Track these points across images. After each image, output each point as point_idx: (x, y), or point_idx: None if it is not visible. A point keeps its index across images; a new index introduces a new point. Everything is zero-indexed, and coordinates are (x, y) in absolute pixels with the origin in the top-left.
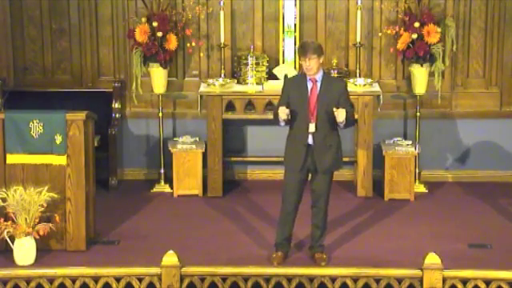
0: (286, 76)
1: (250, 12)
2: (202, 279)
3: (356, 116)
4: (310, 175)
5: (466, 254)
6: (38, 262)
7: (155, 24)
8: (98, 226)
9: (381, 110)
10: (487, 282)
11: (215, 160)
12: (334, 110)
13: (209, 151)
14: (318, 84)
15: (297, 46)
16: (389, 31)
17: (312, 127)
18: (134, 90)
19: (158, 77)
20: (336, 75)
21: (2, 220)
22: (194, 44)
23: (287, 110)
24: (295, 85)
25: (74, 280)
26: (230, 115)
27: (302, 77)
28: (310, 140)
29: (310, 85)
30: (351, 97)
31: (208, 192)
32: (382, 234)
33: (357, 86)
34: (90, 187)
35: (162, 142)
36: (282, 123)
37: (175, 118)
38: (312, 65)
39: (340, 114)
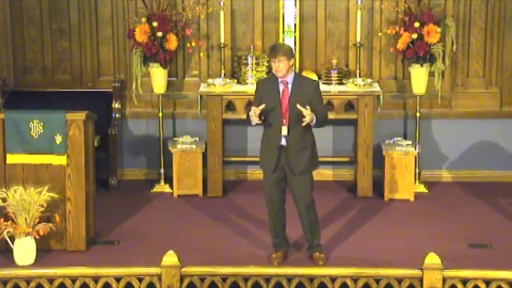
0: (258, 78)
1: (249, 12)
2: (202, 279)
3: (355, 116)
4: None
5: (466, 254)
6: (38, 262)
7: (155, 24)
8: (98, 226)
9: (381, 110)
10: (487, 282)
11: (215, 160)
12: (299, 107)
13: (209, 151)
14: (290, 86)
15: (297, 46)
16: (389, 31)
17: (284, 130)
18: (134, 90)
19: (158, 77)
20: (336, 75)
21: (2, 220)
22: (194, 44)
23: (258, 111)
24: (267, 87)
25: (74, 280)
26: (230, 115)
27: (273, 79)
28: (284, 141)
29: (281, 87)
30: (352, 97)
31: (208, 192)
32: (382, 234)
33: (357, 85)
34: (89, 187)
35: (162, 141)
36: (254, 123)
37: (175, 118)
38: (281, 67)
39: (308, 117)
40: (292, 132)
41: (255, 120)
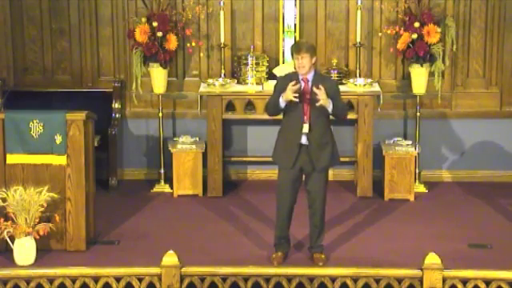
0: (279, 75)
1: (249, 12)
2: (202, 279)
3: (355, 116)
4: (303, 176)
5: (466, 254)
6: (38, 261)
7: (155, 24)
8: (98, 226)
9: (381, 110)
10: (487, 282)
11: (215, 160)
12: (315, 90)
13: (209, 151)
14: (310, 84)
15: None
16: (389, 31)
17: (306, 128)
18: (134, 90)
19: (158, 77)
20: (336, 75)
21: (2, 220)
22: (194, 44)
23: (296, 87)
24: (288, 84)
25: (74, 280)
26: (230, 115)
27: (294, 76)
28: (304, 140)
29: (302, 84)
30: (352, 97)
31: (208, 192)
32: (382, 234)
33: (357, 85)
34: (89, 187)
35: (162, 142)
36: (283, 104)
37: (175, 118)
38: (305, 63)
39: (323, 98)
40: (313, 129)
41: (290, 97)
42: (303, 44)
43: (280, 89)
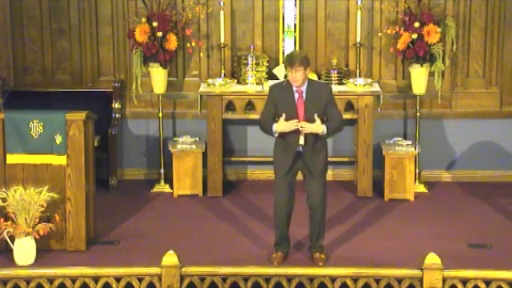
0: (272, 83)
1: (249, 12)
2: (202, 279)
3: (355, 116)
4: (302, 176)
5: (466, 254)
6: (38, 262)
7: (155, 24)
8: (98, 226)
9: (381, 110)
10: (487, 282)
11: (215, 160)
12: (316, 118)
13: (209, 151)
14: (304, 94)
15: (297, 46)
16: (389, 31)
17: (302, 139)
18: (134, 90)
19: (158, 77)
20: (336, 75)
21: (2, 220)
22: (194, 44)
23: (296, 123)
24: (282, 95)
25: (74, 280)
26: (230, 115)
27: (287, 86)
28: (300, 148)
29: (296, 96)
30: (352, 97)
31: (208, 192)
32: (382, 234)
33: (357, 85)
34: (90, 187)
35: (162, 142)
36: (276, 134)
37: (175, 118)
38: (298, 76)
39: (315, 127)
40: (308, 139)
41: (291, 128)
42: (297, 57)
43: (273, 99)
